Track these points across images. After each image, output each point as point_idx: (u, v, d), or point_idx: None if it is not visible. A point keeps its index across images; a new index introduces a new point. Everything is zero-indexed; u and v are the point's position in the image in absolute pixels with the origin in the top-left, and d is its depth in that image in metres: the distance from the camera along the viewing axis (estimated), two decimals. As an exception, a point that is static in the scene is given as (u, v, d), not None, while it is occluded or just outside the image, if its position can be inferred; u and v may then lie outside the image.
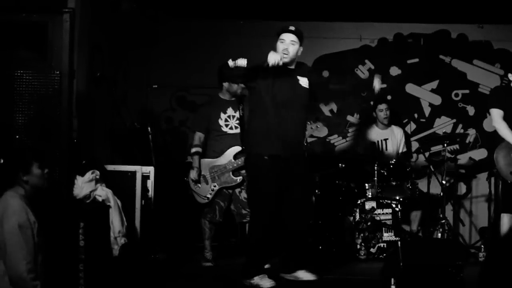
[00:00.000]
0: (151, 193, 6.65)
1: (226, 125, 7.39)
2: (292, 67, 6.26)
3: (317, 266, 6.68)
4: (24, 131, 5.88)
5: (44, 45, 6.08)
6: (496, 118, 6.79)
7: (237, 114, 7.43)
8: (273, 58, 5.89)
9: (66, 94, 5.87)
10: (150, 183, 6.66)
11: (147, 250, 6.71)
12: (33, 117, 5.93)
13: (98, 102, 7.61)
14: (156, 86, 9.47)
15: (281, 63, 5.94)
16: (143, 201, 6.48)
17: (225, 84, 7.42)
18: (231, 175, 7.32)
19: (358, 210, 7.93)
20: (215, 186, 7.32)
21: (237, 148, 7.30)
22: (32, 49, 6.13)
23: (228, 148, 7.34)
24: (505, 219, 6.74)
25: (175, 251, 7.82)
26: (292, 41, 6.14)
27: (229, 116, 7.41)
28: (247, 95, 6.94)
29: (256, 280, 6.02)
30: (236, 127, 7.39)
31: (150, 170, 6.68)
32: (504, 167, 6.68)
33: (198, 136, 7.47)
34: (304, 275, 6.34)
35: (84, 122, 6.85)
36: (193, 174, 7.35)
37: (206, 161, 7.39)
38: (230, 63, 6.02)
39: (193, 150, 7.46)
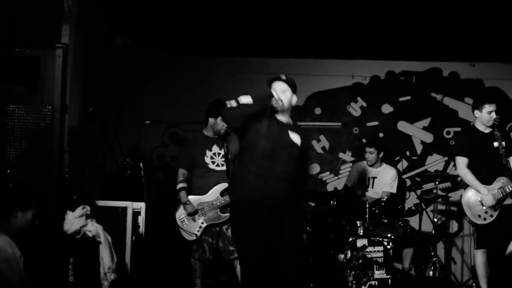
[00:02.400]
0: (142, 229, 6.62)
1: (213, 162, 7.38)
2: (284, 119, 6.00)
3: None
4: (16, 166, 5.85)
5: (37, 79, 6.07)
6: (461, 166, 7.30)
7: (222, 152, 7.42)
8: (278, 97, 5.76)
9: (58, 129, 5.86)
10: (141, 219, 6.63)
11: (137, 287, 6.66)
12: (25, 152, 5.91)
13: (90, 138, 7.60)
14: (148, 122, 9.47)
15: (280, 103, 5.83)
16: (133, 237, 6.45)
17: (211, 120, 7.40)
18: (219, 212, 7.30)
19: (349, 248, 7.88)
20: (202, 223, 7.30)
21: (224, 185, 7.25)
22: (24, 84, 6.12)
23: (215, 185, 7.32)
24: (478, 255, 7.34)
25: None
26: (282, 90, 5.88)
27: (214, 154, 7.42)
28: (231, 136, 6.95)
29: None
30: (222, 164, 7.38)
31: (141, 206, 6.66)
32: (469, 211, 7.27)
33: (182, 173, 7.48)
34: None
35: (75, 157, 6.83)
36: (188, 209, 7.31)
37: (192, 198, 7.37)
38: (232, 103, 5.84)
39: (179, 186, 7.44)
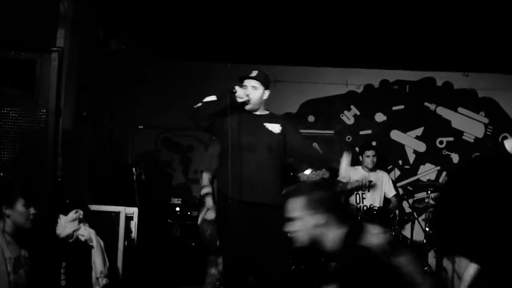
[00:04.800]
0: (134, 234, 6.60)
1: None
2: (258, 113, 5.98)
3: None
4: (9, 168, 5.84)
5: (32, 83, 6.07)
6: None
7: None
8: (240, 92, 5.76)
9: (52, 133, 5.85)
10: (133, 224, 6.61)
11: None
12: (18, 155, 5.90)
13: (84, 141, 7.58)
14: (142, 126, 9.47)
15: (245, 98, 5.85)
16: (126, 242, 6.42)
17: None
18: None
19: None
20: None
21: None
22: (19, 87, 6.12)
23: None
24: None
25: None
26: (253, 86, 5.89)
27: None
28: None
29: None
30: None
31: (133, 211, 6.64)
32: None
33: (207, 177, 7.20)
34: None
35: (69, 161, 6.81)
36: (211, 215, 6.98)
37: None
38: (198, 104, 5.86)
39: (205, 191, 7.13)
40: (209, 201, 7.07)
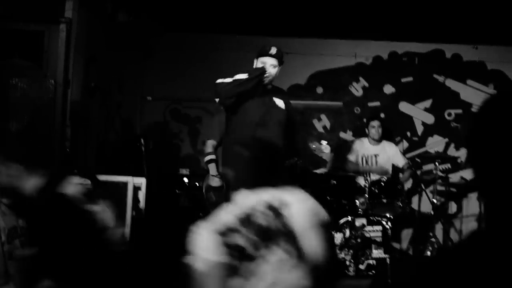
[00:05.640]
0: (142, 204, 6.65)
1: None
2: (269, 86, 6.15)
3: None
4: (17, 139, 5.89)
5: (40, 54, 6.11)
6: None
7: None
8: (270, 72, 5.92)
9: (60, 103, 5.91)
10: (141, 194, 6.66)
11: (136, 261, 6.70)
12: (27, 125, 5.94)
13: (92, 113, 7.62)
14: (150, 98, 9.49)
15: (270, 78, 5.98)
16: (134, 212, 6.47)
17: None
18: None
19: (348, 227, 7.92)
20: None
21: None
22: (27, 58, 6.16)
23: None
24: None
25: (165, 263, 7.78)
26: (272, 64, 6.04)
27: None
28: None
29: None
30: None
31: (141, 181, 6.69)
32: None
33: (211, 144, 7.28)
34: None
35: (77, 132, 6.85)
36: (215, 182, 7.13)
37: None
38: (227, 79, 5.88)
39: (208, 158, 7.23)
40: (213, 168, 7.15)
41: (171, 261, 7.98)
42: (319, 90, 9.69)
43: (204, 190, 7.27)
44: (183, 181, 8.56)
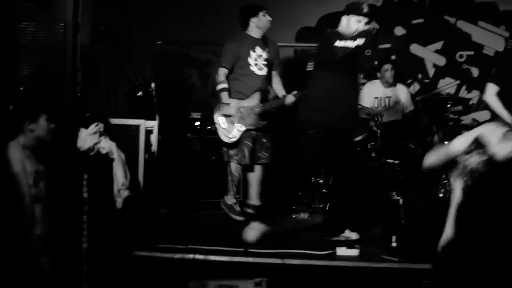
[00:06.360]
0: (154, 147, 6.66)
1: (255, 65, 7.30)
2: None
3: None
4: (28, 83, 5.87)
5: (48, -4, 6.05)
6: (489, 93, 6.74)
7: (264, 54, 7.36)
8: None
9: (70, 47, 5.87)
10: (153, 138, 6.66)
11: (150, 204, 6.73)
12: (37, 69, 5.93)
13: (102, 57, 7.58)
14: (160, 42, 9.43)
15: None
16: (146, 155, 6.48)
17: (254, 20, 7.30)
18: (258, 118, 7.29)
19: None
20: (241, 127, 7.24)
21: (263, 91, 7.35)
22: (36, 1, 6.10)
23: (255, 90, 7.29)
24: None
25: (179, 207, 7.81)
26: (365, 22, 6.30)
27: (258, 56, 7.34)
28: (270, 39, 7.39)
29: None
30: (262, 69, 7.33)
31: (153, 124, 6.69)
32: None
33: (223, 72, 7.31)
34: (351, 234, 6.37)
35: (88, 76, 6.82)
36: (227, 110, 7.25)
37: (233, 101, 7.29)
38: (348, 43, 6.09)
39: (220, 86, 7.32)
40: (225, 96, 7.25)
41: (184, 203, 8.04)
42: (329, 32, 9.62)
43: (214, 117, 7.37)
44: (195, 125, 8.56)
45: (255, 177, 7.50)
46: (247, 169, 7.45)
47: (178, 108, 9.18)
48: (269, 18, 7.32)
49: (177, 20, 9.53)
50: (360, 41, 6.03)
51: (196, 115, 8.62)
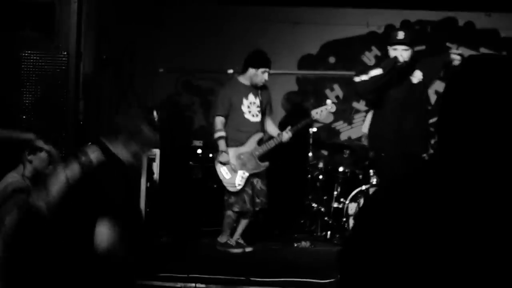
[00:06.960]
0: (156, 175, 6.66)
1: (249, 112, 7.31)
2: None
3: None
4: (31, 111, 5.89)
5: (52, 25, 6.09)
6: None
7: (257, 101, 7.36)
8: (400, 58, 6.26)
9: (73, 76, 5.90)
10: (155, 166, 6.67)
11: (151, 233, 6.72)
12: (40, 98, 5.94)
13: (104, 85, 7.60)
14: (162, 70, 9.47)
15: (405, 64, 6.31)
16: (148, 183, 6.48)
17: (251, 71, 7.29)
18: (258, 161, 7.29)
19: (362, 197, 7.92)
20: (244, 173, 7.23)
21: (260, 135, 7.31)
22: (39, 30, 6.13)
23: (250, 135, 7.31)
24: None
25: (180, 235, 7.79)
26: (404, 49, 6.31)
27: (250, 103, 7.35)
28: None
29: None
30: (257, 115, 7.33)
31: (156, 152, 6.69)
32: None
33: (220, 120, 7.28)
34: None
35: (90, 105, 6.84)
36: (224, 158, 7.21)
37: (231, 150, 7.27)
38: (363, 77, 6.26)
39: (218, 134, 7.27)
40: (222, 144, 7.22)
41: (185, 232, 8.02)
42: (332, 60, 9.63)
43: (216, 166, 7.34)
44: (197, 153, 8.56)
45: (246, 220, 7.47)
46: (243, 214, 7.41)
47: (180, 136, 9.20)
48: (266, 78, 7.28)
49: (179, 48, 9.56)
50: (376, 72, 6.10)
51: (197, 143, 8.63)
